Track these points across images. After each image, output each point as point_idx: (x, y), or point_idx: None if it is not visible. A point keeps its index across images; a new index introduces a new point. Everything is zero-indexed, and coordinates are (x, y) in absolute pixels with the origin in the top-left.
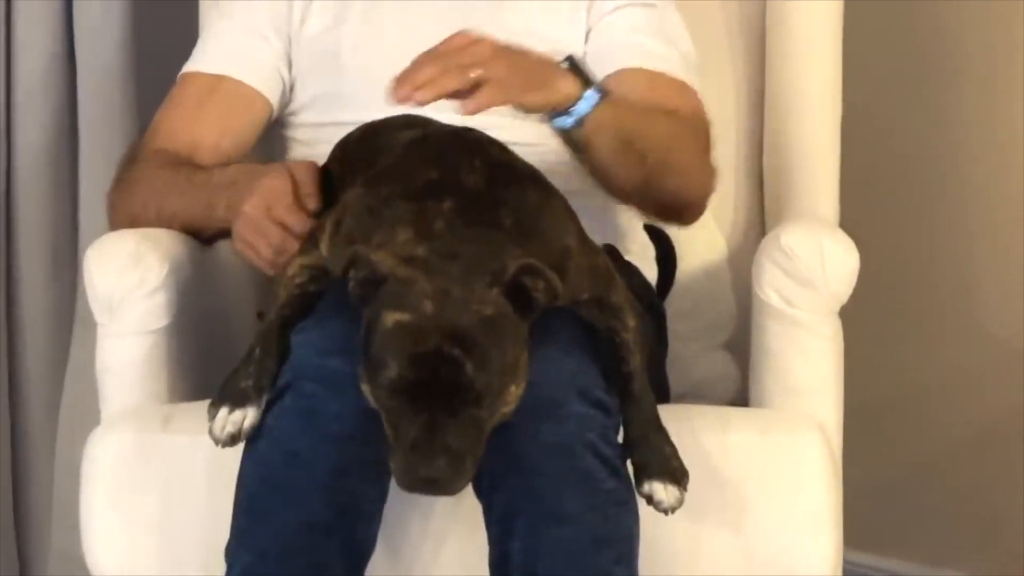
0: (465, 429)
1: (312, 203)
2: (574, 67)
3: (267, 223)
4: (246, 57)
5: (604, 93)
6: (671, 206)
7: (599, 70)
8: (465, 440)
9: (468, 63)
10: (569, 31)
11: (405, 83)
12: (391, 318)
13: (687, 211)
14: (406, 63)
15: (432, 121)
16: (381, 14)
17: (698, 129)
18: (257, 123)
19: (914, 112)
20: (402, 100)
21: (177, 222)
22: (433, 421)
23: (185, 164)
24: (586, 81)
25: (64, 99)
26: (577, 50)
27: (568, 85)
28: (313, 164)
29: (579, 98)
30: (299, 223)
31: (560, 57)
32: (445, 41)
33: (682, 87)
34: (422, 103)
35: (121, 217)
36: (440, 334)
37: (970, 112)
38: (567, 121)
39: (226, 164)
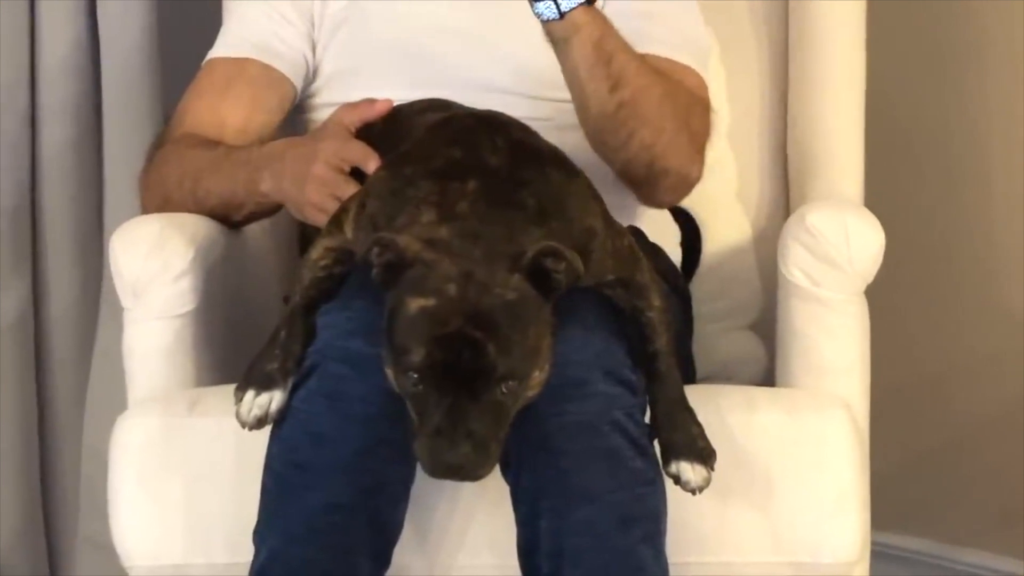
0: (488, 414)
1: (374, 161)
2: None
3: (341, 178)
4: (270, 40)
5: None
6: (643, 164)
7: None
8: (488, 425)
9: None
10: None
11: None
12: (415, 304)
13: (662, 180)
14: (423, 39)
15: (454, 104)
16: None
17: (690, 102)
18: (282, 106)
19: (938, 94)
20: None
21: (213, 199)
22: (457, 406)
23: (219, 144)
24: None
25: (88, 84)
26: None
27: None
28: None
29: None
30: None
31: None
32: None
33: (685, 69)
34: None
35: (154, 198)
36: (463, 316)
37: (993, 93)
38: (550, 9)
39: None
